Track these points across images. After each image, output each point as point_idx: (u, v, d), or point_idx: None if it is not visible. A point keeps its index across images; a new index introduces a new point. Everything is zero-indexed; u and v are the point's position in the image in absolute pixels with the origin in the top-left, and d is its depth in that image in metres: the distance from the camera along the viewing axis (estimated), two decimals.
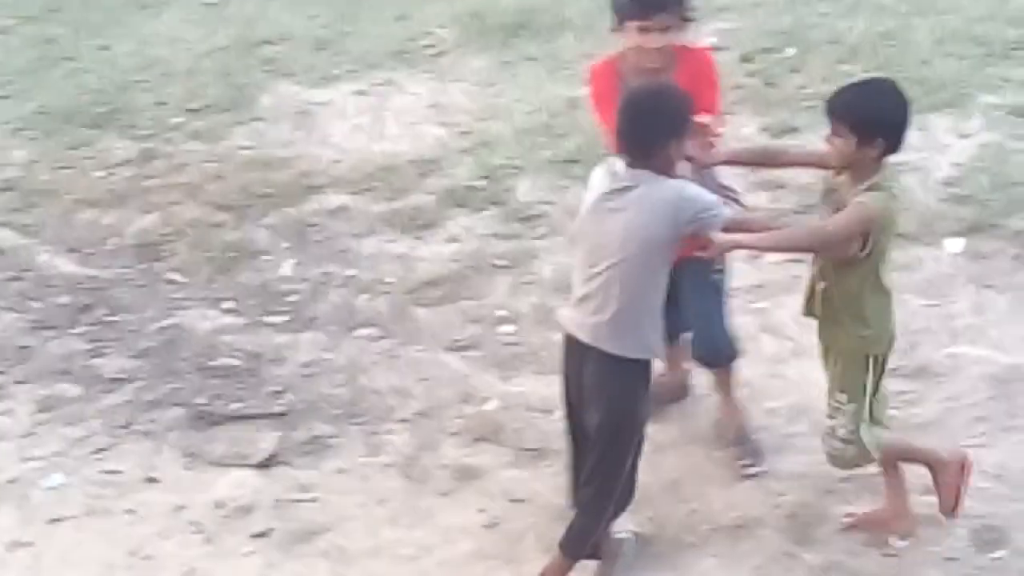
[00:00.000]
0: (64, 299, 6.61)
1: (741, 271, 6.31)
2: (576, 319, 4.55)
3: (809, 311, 4.82)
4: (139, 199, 7.34)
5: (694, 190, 4.44)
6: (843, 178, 4.59)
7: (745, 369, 5.73)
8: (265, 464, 5.49)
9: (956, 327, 5.92)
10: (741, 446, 5.30)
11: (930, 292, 6.14)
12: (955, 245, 6.38)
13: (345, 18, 9.12)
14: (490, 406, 5.73)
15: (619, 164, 4.47)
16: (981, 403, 5.47)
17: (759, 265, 6.37)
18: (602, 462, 4.59)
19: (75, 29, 9.28)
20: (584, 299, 4.51)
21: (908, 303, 6.06)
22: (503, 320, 6.22)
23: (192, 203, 7.24)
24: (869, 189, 4.49)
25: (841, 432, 4.75)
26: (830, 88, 7.54)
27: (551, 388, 5.66)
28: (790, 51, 8.23)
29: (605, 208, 4.44)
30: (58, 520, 5.27)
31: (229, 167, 7.54)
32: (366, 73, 8.41)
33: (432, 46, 8.73)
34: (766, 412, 5.56)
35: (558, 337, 5.95)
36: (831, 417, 4.77)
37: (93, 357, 6.19)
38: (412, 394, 5.83)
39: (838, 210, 4.55)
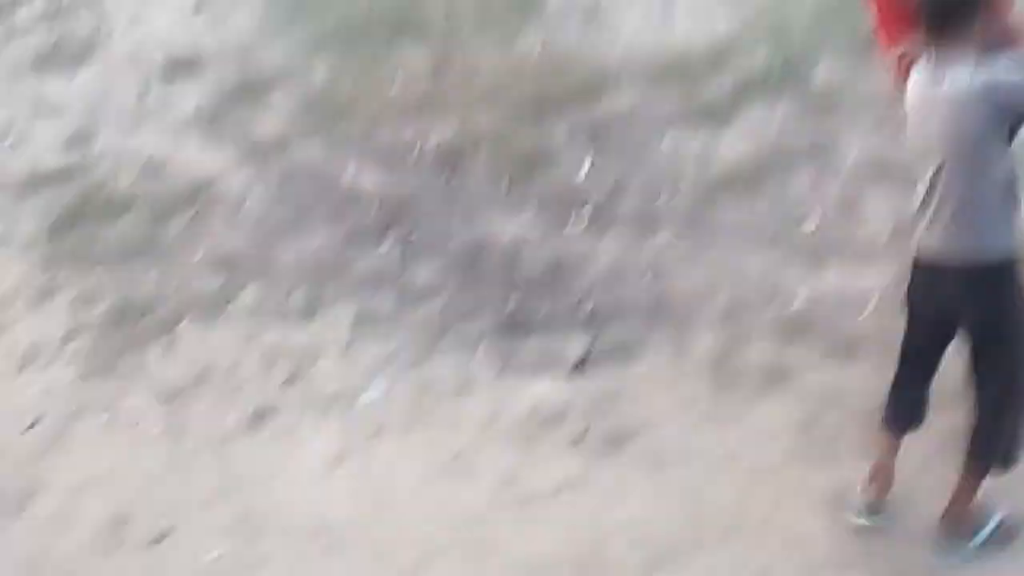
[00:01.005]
0: (372, 212, 6.78)
1: None
2: (922, 237, 4.30)
3: None
4: (436, 109, 7.43)
5: (1011, 66, 4.10)
6: None
7: None
8: (575, 369, 5.56)
9: None
10: None
11: None
12: None
13: None
14: (797, 302, 5.63)
15: (926, 55, 4.24)
16: None
17: None
18: (997, 364, 4.35)
19: None
20: (924, 212, 4.26)
21: None
22: (806, 212, 6.08)
23: (488, 110, 7.29)
24: None
25: None
26: None
27: (859, 281, 5.58)
28: None
29: (924, 108, 4.18)
30: (379, 431, 5.47)
31: (522, 71, 7.55)
32: None
33: None
34: None
35: (864, 229, 5.87)
36: None
37: (403, 268, 6.36)
38: (717, 293, 5.78)
39: None
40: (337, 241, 6.63)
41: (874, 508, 4.70)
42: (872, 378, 5.07)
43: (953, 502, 4.55)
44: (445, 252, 6.39)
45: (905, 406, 4.62)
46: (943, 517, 4.57)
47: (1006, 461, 4.49)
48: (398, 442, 5.39)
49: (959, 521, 4.56)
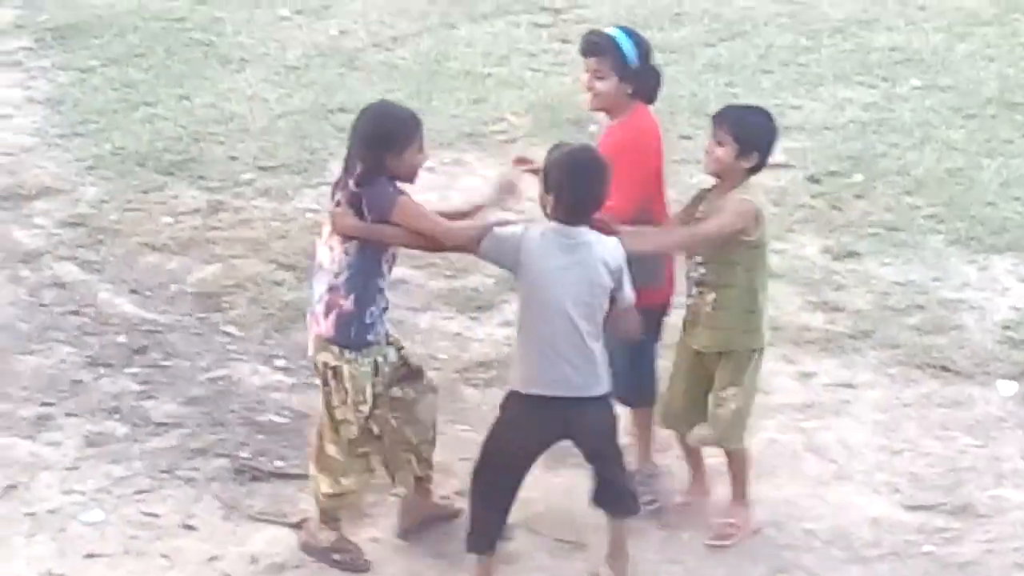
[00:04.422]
0: (120, 338, 6.68)
1: (790, 389, 6.37)
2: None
3: (695, 338, 5.26)
4: (203, 249, 7.43)
5: None
6: (712, 190, 5.22)
7: (786, 488, 5.76)
8: (303, 524, 5.52)
9: (1002, 470, 5.92)
10: (645, 484, 5.58)
11: (978, 432, 6.15)
12: (1008, 388, 6.40)
13: (421, 95, 9.25)
14: (531, 494, 5.73)
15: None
16: (1023, 549, 5.46)
17: (809, 385, 6.41)
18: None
19: (156, 76, 9.45)
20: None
21: (956, 441, 6.10)
22: None
23: (255, 258, 7.32)
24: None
25: (727, 410, 5.24)
26: (894, 218, 7.73)
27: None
28: (857, 177, 8.30)
29: None
30: (93, 556, 5.31)
31: (294, 227, 7.64)
32: (437, 151, 8.49)
33: (504, 132, 8.85)
34: (804, 532, 5.56)
35: None
36: (718, 407, 5.25)
37: (143, 399, 6.25)
38: (454, 472, 5.84)
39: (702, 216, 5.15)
40: (79, 360, 6.49)
41: None
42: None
43: None
44: (189, 389, 6.32)
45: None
46: None
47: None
48: (111, 569, 5.23)
49: None
